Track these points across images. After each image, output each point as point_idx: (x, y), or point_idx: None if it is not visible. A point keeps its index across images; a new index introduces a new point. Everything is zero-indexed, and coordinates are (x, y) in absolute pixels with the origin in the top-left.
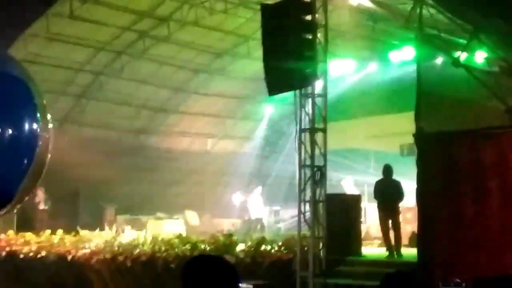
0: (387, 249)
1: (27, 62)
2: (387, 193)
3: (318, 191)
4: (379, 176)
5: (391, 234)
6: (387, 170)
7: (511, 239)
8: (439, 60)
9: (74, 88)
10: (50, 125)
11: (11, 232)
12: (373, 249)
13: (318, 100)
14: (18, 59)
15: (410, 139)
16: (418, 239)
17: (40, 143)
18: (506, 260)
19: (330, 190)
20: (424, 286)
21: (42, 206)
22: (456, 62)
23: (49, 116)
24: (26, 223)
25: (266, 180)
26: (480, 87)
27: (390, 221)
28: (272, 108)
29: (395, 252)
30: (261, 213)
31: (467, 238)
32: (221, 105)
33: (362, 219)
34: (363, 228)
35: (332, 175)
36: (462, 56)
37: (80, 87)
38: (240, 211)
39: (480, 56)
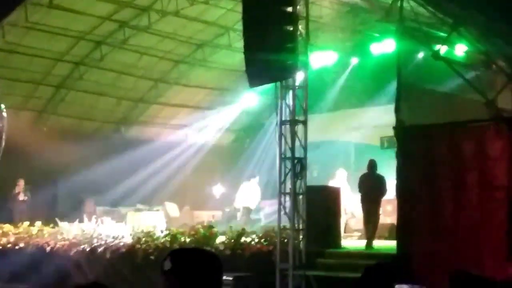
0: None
1: (5, 52)
2: (371, 187)
3: (298, 183)
4: (359, 168)
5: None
6: (372, 165)
7: (489, 231)
8: (420, 54)
9: (53, 78)
10: (4, 114)
11: None
12: (352, 241)
13: (299, 92)
14: None
15: (391, 132)
16: (397, 231)
17: None
18: (485, 251)
19: (313, 183)
20: (403, 278)
21: (21, 197)
22: (436, 55)
23: (3, 106)
24: (5, 214)
25: (246, 172)
26: (460, 80)
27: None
28: (252, 100)
29: (367, 243)
30: (249, 202)
31: (446, 230)
32: (201, 96)
33: (342, 212)
34: (343, 220)
35: (312, 167)
36: (442, 49)
37: (59, 77)
38: (220, 202)
39: (460, 50)
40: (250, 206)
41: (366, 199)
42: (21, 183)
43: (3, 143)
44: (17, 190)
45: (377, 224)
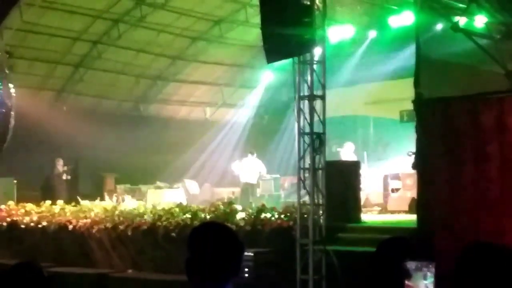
0: None
1: (23, 32)
2: None
3: (317, 158)
4: (379, 142)
5: None
6: None
7: (510, 201)
8: (439, 25)
9: (71, 57)
10: (13, 93)
11: (11, 203)
12: (372, 216)
13: (317, 67)
14: (14, 29)
15: (410, 105)
16: (418, 205)
17: (3, 110)
18: (505, 223)
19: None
20: (422, 251)
21: (65, 177)
22: (455, 27)
23: (11, 85)
24: (48, 193)
25: (265, 147)
26: (479, 52)
27: None
28: (270, 76)
29: None
30: (252, 178)
31: (466, 203)
32: (219, 73)
33: (362, 186)
34: (363, 195)
35: (331, 142)
36: (461, 20)
37: (77, 56)
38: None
39: (479, 21)
40: (251, 182)
41: None
42: (60, 162)
43: (13, 122)
44: (60, 169)
45: None
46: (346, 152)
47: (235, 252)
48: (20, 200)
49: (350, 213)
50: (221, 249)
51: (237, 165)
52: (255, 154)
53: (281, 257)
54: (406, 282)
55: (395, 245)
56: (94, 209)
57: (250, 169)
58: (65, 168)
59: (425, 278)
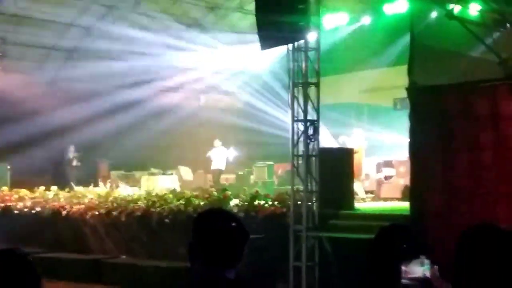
0: None
1: (17, 17)
2: None
3: (311, 145)
4: (372, 129)
5: None
6: None
7: (504, 189)
8: (433, 13)
9: (65, 43)
10: None
11: (5, 188)
12: (365, 203)
13: (311, 54)
14: (8, 15)
15: (404, 93)
16: (411, 192)
17: None
18: (499, 211)
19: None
20: (416, 239)
21: (75, 163)
22: (449, 14)
23: None
24: (60, 179)
25: (259, 135)
26: (474, 40)
27: None
28: (264, 63)
29: None
30: (221, 164)
31: (460, 190)
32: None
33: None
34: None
35: (324, 130)
36: (456, 8)
37: (71, 42)
38: (234, 166)
39: (474, 9)
40: (221, 168)
41: None
42: (72, 149)
43: None
44: (70, 156)
45: None
46: (355, 140)
47: (240, 239)
48: (14, 186)
49: (344, 200)
50: (227, 235)
51: (212, 152)
52: (220, 143)
53: (274, 244)
54: (403, 268)
55: (395, 232)
56: (88, 195)
57: (219, 156)
58: (76, 154)
59: (422, 264)
